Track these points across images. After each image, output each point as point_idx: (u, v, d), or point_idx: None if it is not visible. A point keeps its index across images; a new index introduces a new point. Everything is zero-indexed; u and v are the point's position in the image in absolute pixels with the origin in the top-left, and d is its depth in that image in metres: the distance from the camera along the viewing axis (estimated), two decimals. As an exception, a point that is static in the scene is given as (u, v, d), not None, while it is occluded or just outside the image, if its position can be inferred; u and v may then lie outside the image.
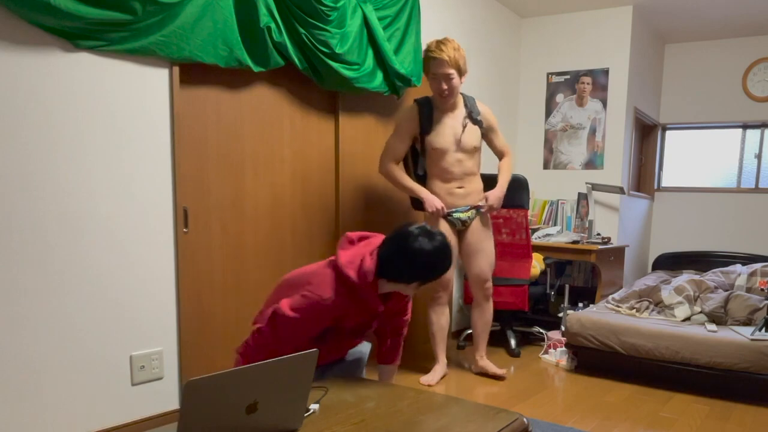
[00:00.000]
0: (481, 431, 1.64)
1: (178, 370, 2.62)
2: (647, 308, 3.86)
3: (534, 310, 5.03)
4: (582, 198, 4.72)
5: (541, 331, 4.39)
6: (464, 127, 3.23)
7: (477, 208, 3.34)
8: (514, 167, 5.20)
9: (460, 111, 3.27)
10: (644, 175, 5.73)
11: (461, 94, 3.33)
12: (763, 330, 3.30)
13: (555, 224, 5.00)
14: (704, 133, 5.67)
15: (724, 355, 3.20)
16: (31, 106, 2.07)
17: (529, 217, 4.20)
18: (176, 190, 2.53)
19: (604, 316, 3.65)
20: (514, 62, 5.01)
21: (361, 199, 3.58)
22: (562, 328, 4.09)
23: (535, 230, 4.67)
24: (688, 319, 3.66)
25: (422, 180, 3.40)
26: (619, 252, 4.66)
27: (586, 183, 4.67)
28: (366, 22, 3.12)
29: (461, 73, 3.15)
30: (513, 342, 4.13)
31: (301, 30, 2.77)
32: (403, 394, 1.93)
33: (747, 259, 5.31)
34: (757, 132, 5.43)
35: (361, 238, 2.14)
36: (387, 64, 3.25)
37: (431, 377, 3.39)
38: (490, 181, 3.63)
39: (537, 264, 4.19)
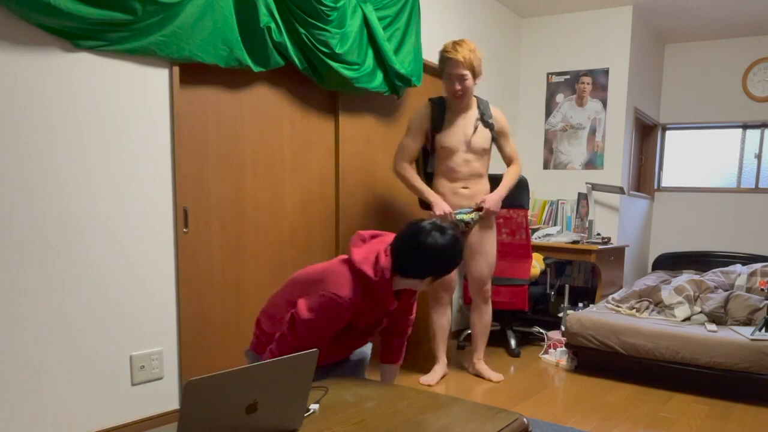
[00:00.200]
0: (480, 431, 1.64)
1: (178, 370, 2.62)
2: (647, 308, 3.86)
3: (534, 310, 5.03)
4: (582, 198, 4.72)
5: (541, 331, 4.39)
6: (475, 128, 3.24)
7: (478, 209, 3.33)
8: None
9: (473, 112, 3.28)
10: (644, 175, 5.73)
11: (475, 96, 3.33)
12: (763, 330, 3.30)
13: (555, 224, 5.00)
14: (704, 133, 5.67)
15: (724, 355, 3.20)
16: (31, 106, 2.07)
17: (529, 217, 4.20)
18: (176, 190, 2.53)
19: (604, 316, 3.65)
20: (514, 62, 5.01)
21: (361, 199, 3.58)
22: (562, 328, 4.09)
23: (535, 230, 4.67)
24: (688, 319, 3.66)
25: (431, 178, 3.41)
26: (619, 252, 4.66)
27: (586, 183, 4.67)
28: (366, 22, 3.12)
29: (475, 74, 3.16)
30: (513, 342, 4.13)
31: (301, 30, 2.77)
32: (403, 394, 1.93)
33: (747, 259, 5.31)
34: (757, 132, 5.43)
35: (372, 236, 2.16)
36: (387, 64, 3.25)
37: (431, 377, 3.40)
38: (497, 182, 3.66)
39: (537, 264, 4.19)
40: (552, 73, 4.98)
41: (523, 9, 4.83)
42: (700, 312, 3.67)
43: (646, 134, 5.72)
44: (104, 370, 2.36)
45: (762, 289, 4.03)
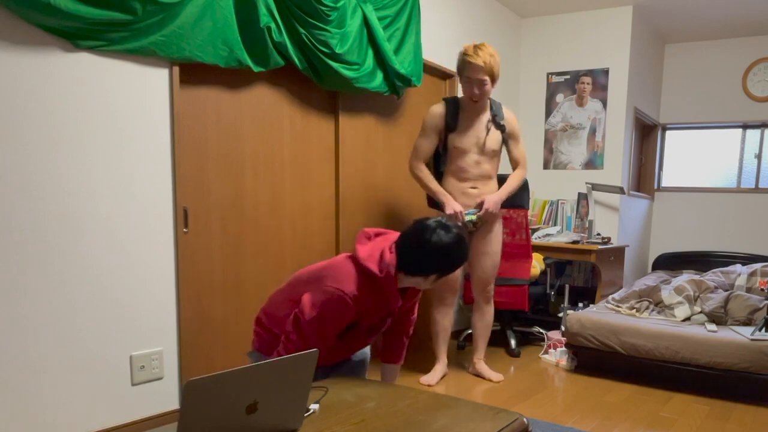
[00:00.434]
0: (480, 431, 1.64)
1: (178, 370, 2.62)
2: (647, 308, 3.86)
3: (534, 310, 5.03)
4: (582, 198, 4.72)
5: (541, 331, 4.39)
6: (488, 130, 3.24)
7: (478, 207, 3.33)
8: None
9: (486, 114, 3.29)
10: (644, 175, 5.73)
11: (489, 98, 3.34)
12: (763, 330, 3.30)
13: (555, 224, 5.00)
14: (704, 133, 5.67)
15: (724, 355, 3.20)
16: (31, 106, 2.07)
17: (529, 217, 4.20)
18: (176, 190, 2.53)
19: (604, 316, 3.65)
20: (514, 62, 5.01)
21: (361, 199, 3.58)
22: (562, 328, 4.09)
23: (535, 230, 4.67)
24: (688, 319, 3.66)
25: (442, 176, 3.42)
26: (619, 252, 4.66)
27: (586, 183, 4.67)
28: (366, 22, 3.12)
29: (494, 79, 3.16)
30: (513, 342, 4.13)
31: (301, 30, 2.77)
32: (403, 394, 1.93)
33: (747, 259, 5.31)
34: (757, 132, 5.43)
35: (378, 234, 2.17)
36: (387, 64, 3.25)
37: (431, 377, 3.40)
38: (503, 183, 3.67)
39: (537, 264, 4.19)
40: (552, 73, 4.98)
41: (523, 9, 4.83)
42: (700, 312, 3.67)
43: (646, 134, 5.72)
44: (104, 370, 2.36)
45: (762, 289, 4.03)
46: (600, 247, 4.22)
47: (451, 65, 4.14)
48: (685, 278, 4.09)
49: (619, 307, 3.92)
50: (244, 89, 2.85)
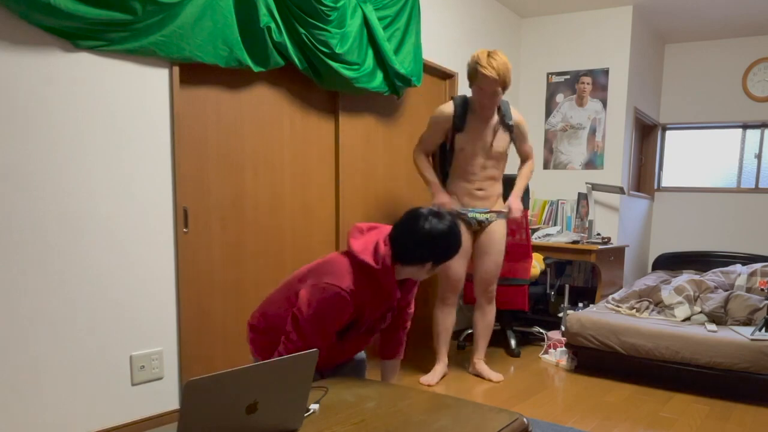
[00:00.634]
0: (480, 431, 1.64)
1: (178, 370, 2.62)
2: (647, 308, 3.86)
3: (534, 310, 5.03)
4: (582, 198, 4.72)
5: (541, 331, 4.39)
6: (495, 132, 3.25)
7: (498, 213, 3.36)
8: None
9: (494, 116, 3.29)
10: (644, 175, 5.73)
11: None
12: (763, 330, 3.30)
13: (555, 224, 5.00)
14: (704, 133, 5.67)
15: (724, 355, 3.20)
16: (31, 106, 2.07)
17: (529, 217, 4.20)
18: (176, 190, 2.53)
19: (604, 316, 3.65)
20: (514, 62, 5.01)
21: (361, 199, 3.58)
22: (562, 328, 4.09)
23: (535, 230, 4.67)
24: (688, 319, 3.66)
25: (448, 176, 3.43)
26: (619, 252, 4.66)
27: (586, 183, 4.67)
28: (366, 22, 3.12)
29: (506, 88, 3.16)
30: (513, 342, 4.13)
31: (301, 30, 2.77)
32: (403, 394, 1.93)
33: (747, 259, 5.31)
34: (757, 132, 5.43)
35: (370, 228, 2.16)
36: (387, 64, 3.25)
37: (431, 377, 3.40)
38: (508, 182, 3.68)
39: (537, 264, 4.19)
40: (552, 73, 4.98)
41: (523, 9, 4.83)
42: (700, 312, 3.67)
43: (646, 134, 5.72)
44: (104, 370, 2.36)
45: (762, 289, 4.03)
46: (600, 247, 4.22)
47: (451, 65, 4.14)
48: (685, 278, 4.09)
49: (619, 307, 3.92)
50: (244, 89, 2.85)
